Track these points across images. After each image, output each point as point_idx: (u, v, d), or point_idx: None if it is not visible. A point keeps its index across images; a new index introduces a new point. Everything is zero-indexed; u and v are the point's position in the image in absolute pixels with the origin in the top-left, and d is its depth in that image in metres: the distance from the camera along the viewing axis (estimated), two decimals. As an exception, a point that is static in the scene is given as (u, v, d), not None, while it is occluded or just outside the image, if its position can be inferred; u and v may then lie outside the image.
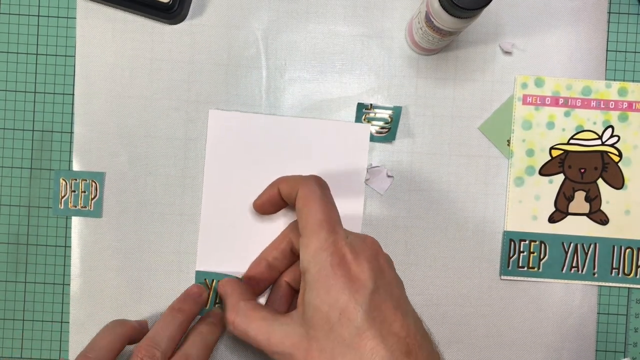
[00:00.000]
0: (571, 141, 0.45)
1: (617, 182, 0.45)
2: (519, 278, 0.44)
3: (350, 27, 0.45)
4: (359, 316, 0.33)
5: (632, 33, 0.45)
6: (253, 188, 0.43)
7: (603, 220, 0.44)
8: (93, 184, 0.45)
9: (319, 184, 0.38)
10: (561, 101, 0.44)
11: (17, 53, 0.45)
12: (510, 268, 0.44)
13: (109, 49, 0.45)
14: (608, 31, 0.45)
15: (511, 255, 0.44)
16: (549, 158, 0.44)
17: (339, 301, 0.33)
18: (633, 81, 0.45)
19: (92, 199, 0.45)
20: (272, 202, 0.42)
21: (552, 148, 0.45)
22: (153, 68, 0.45)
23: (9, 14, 0.45)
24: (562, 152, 0.45)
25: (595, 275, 0.44)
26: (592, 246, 0.44)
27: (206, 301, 0.42)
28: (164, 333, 0.38)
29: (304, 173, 0.41)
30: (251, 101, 0.45)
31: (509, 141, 0.45)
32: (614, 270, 0.44)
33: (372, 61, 0.45)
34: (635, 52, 0.45)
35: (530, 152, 0.45)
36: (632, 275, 0.44)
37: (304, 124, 0.44)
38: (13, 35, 0.45)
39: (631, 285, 0.44)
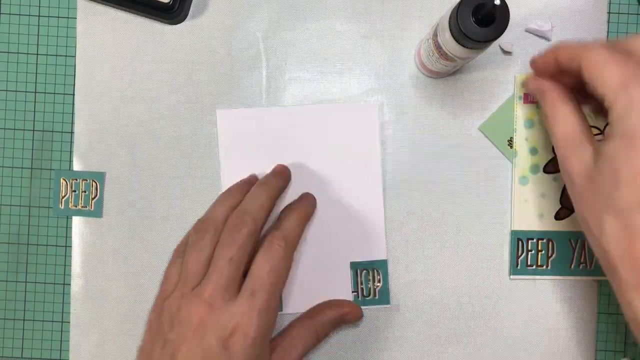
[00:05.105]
0: None
1: None
2: (528, 277, 0.44)
3: (351, 27, 0.45)
4: None
5: (632, 33, 0.45)
6: None
7: None
8: (93, 183, 0.45)
9: (606, 48, 0.34)
10: None
11: (17, 53, 0.45)
12: (519, 267, 0.44)
13: (109, 49, 0.45)
14: (608, 31, 0.45)
15: (519, 254, 0.44)
16: (553, 155, 0.45)
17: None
18: None
19: (92, 199, 0.45)
20: (547, 68, 0.39)
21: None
22: (153, 68, 0.45)
23: (9, 14, 0.45)
24: None
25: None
26: None
27: (290, 176, 0.44)
28: (254, 202, 0.39)
29: (317, 159, 0.44)
30: (252, 101, 0.45)
31: (509, 141, 0.45)
32: None
33: (372, 61, 0.45)
34: (635, 52, 0.45)
35: (533, 151, 0.45)
36: None
37: (310, 110, 0.45)
38: (13, 35, 0.45)
39: None
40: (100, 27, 0.45)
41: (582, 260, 0.44)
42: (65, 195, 0.45)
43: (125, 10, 0.45)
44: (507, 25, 0.34)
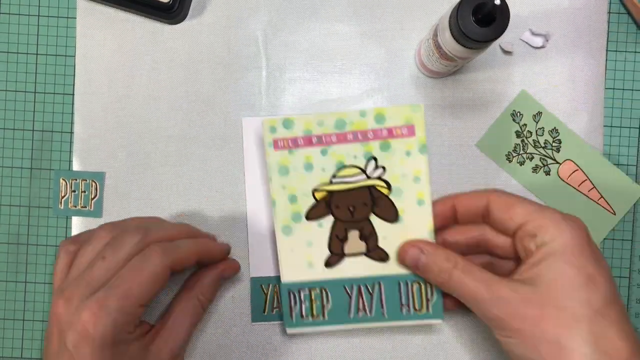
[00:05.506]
0: (333, 180, 0.41)
1: (390, 215, 0.41)
2: (305, 329, 0.41)
3: (351, 26, 0.45)
4: (607, 287, 0.34)
5: (632, 33, 0.45)
6: None
7: (382, 257, 0.41)
8: (93, 183, 0.45)
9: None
10: (315, 140, 0.41)
11: (17, 53, 0.45)
12: (294, 320, 0.41)
13: (109, 49, 0.45)
14: (608, 31, 0.45)
15: (292, 306, 0.41)
16: (314, 201, 0.41)
17: (587, 268, 0.34)
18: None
19: (92, 199, 0.45)
20: (444, 214, 0.41)
21: (314, 191, 0.41)
22: (153, 68, 0.45)
23: (9, 14, 0.45)
24: (325, 193, 0.41)
25: (386, 316, 0.41)
26: (376, 286, 0.41)
27: (234, 273, 0.43)
28: (179, 244, 0.39)
29: None
30: (251, 101, 0.45)
31: (507, 155, 0.45)
32: (403, 308, 0.41)
33: (372, 61, 0.45)
34: (635, 52, 0.45)
35: (292, 198, 0.41)
36: (423, 310, 0.40)
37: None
38: (13, 35, 0.45)
39: (421, 322, 0.41)
40: (100, 27, 0.45)
41: (360, 306, 0.41)
42: (65, 196, 0.45)
43: (125, 10, 0.45)
44: (507, 25, 0.34)
